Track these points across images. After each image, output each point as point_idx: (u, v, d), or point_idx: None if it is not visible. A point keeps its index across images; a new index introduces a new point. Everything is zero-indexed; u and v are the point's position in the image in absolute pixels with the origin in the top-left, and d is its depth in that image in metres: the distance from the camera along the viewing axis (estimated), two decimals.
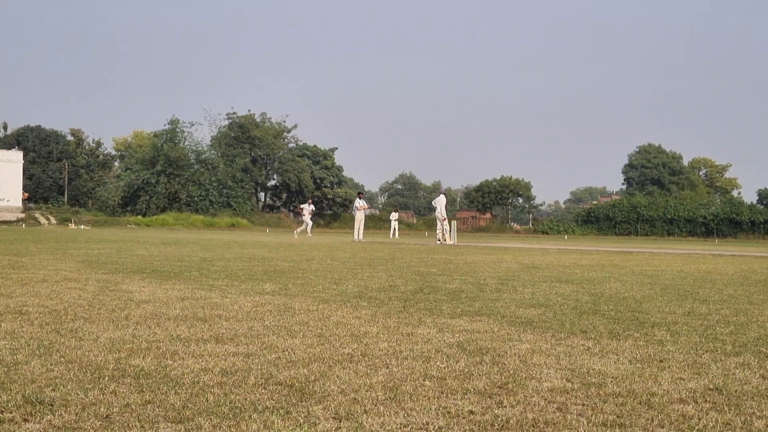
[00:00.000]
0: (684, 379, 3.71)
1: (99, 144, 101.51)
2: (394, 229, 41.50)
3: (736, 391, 3.48)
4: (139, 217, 74.80)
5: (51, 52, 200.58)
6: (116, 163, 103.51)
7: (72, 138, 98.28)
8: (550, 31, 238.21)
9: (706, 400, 3.30)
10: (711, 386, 3.57)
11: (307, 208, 38.04)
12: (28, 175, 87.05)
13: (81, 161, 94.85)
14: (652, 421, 2.97)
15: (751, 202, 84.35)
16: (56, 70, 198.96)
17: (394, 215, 43.05)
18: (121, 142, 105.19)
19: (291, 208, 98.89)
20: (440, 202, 27.25)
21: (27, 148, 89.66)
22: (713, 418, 3.02)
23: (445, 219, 27.04)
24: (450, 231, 27.24)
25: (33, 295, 6.76)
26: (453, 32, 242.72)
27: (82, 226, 61.74)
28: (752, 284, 9.83)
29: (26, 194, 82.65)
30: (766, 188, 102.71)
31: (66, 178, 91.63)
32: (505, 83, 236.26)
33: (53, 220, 73.28)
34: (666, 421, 2.96)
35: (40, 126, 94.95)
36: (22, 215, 74.54)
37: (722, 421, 2.99)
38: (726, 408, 3.18)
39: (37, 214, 76.13)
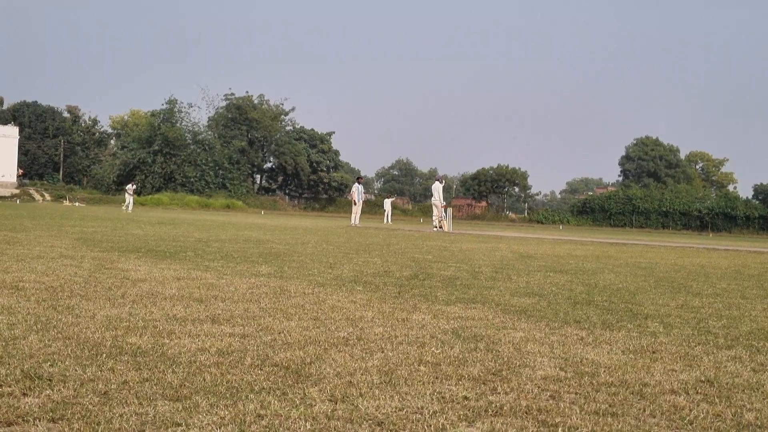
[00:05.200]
0: (676, 371, 3.75)
1: (95, 122, 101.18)
2: (388, 214, 41.62)
3: (727, 384, 3.52)
4: (135, 196, 74.63)
5: (49, 28, 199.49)
6: (112, 142, 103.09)
7: (68, 115, 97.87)
8: (548, 23, 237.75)
9: (697, 392, 3.34)
10: (702, 378, 3.60)
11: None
12: (23, 151, 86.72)
13: (77, 138, 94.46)
14: (644, 411, 3.00)
15: (747, 197, 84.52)
16: (54, 45, 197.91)
17: (387, 201, 43.35)
18: (118, 120, 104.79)
19: (287, 191, 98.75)
20: (437, 189, 27.32)
21: (23, 123, 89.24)
22: (704, 409, 3.06)
23: (443, 206, 27.11)
24: (446, 218, 27.29)
25: (29, 271, 6.76)
26: (452, 21, 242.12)
27: (77, 203, 61.64)
28: (745, 279, 9.88)
29: (22, 170, 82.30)
30: (762, 183, 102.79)
31: (62, 155, 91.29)
32: (504, 73, 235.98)
33: (48, 197, 73.16)
34: (657, 412, 3.00)
35: (36, 102, 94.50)
36: (17, 191, 74.40)
37: (713, 412, 3.02)
38: (717, 400, 3.21)
39: (32, 191, 76.01)
